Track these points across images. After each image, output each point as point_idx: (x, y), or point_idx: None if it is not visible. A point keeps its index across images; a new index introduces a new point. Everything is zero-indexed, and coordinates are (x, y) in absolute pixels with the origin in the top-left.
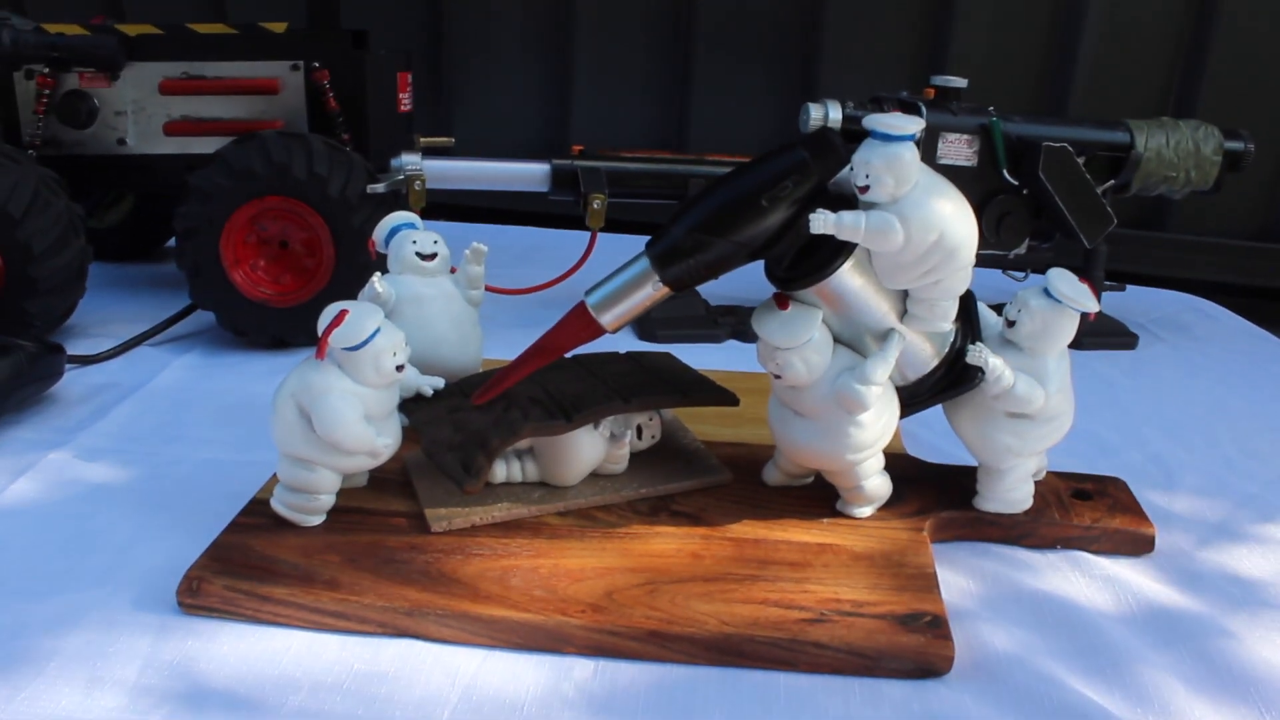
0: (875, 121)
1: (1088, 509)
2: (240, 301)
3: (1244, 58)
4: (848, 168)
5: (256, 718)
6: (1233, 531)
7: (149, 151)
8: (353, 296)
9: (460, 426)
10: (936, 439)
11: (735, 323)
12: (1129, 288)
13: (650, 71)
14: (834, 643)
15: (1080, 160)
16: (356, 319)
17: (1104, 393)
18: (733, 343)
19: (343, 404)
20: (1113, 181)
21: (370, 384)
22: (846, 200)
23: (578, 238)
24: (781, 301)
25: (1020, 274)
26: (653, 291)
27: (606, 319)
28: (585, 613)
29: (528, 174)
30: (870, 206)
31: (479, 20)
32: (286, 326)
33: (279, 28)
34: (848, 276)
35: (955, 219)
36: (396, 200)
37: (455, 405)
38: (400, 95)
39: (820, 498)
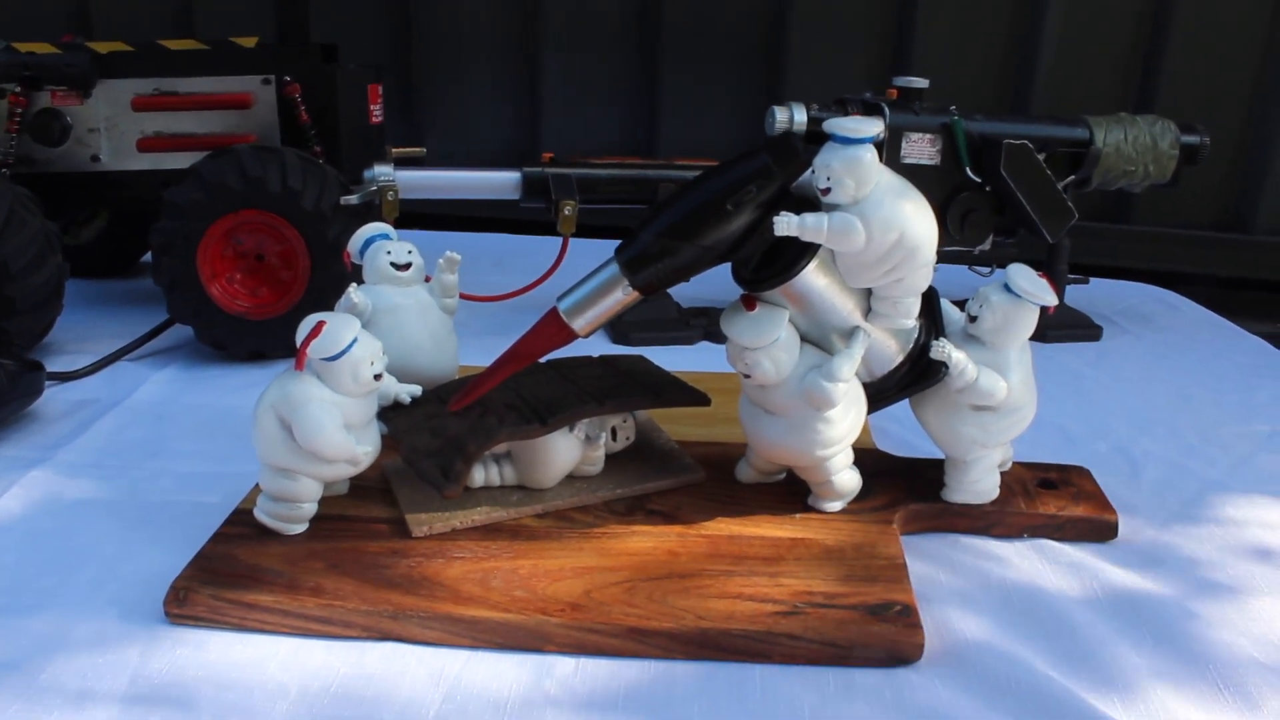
0: (835, 125)
1: (1053, 498)
2: (218, 315)
3: (1198, 54)
4: (810, 170)
5: None
6: (1194, 517)
7: (123, 168)
8: (329, 307)
9: (438, 433)
10: (905, 433)
11: (707, 324)
12: (1092, 280)
13: (617, 79)
14: (807, 634)
15: (1041, 157)
16: (334, 330)
17: (1069, 384)
18: (705, 344)
19: (322, 413)
20: (1073, 177)
21: (349, 393)
22: (809, 202)
23: (548, 243)
24: (749, 303)
25: (985, 269)
26: (623, 296)
27: (578, 324)
28: (565, 611)
29: (499, 182)
30: (833, 208)
31: (447, 32)
32: (265, 339)
33: (249, 42)
34: (813, 277)
35: (915, 218)
36: (370, 212)
37: (433, 412)
38: (371, 107)
39: (792, 494)
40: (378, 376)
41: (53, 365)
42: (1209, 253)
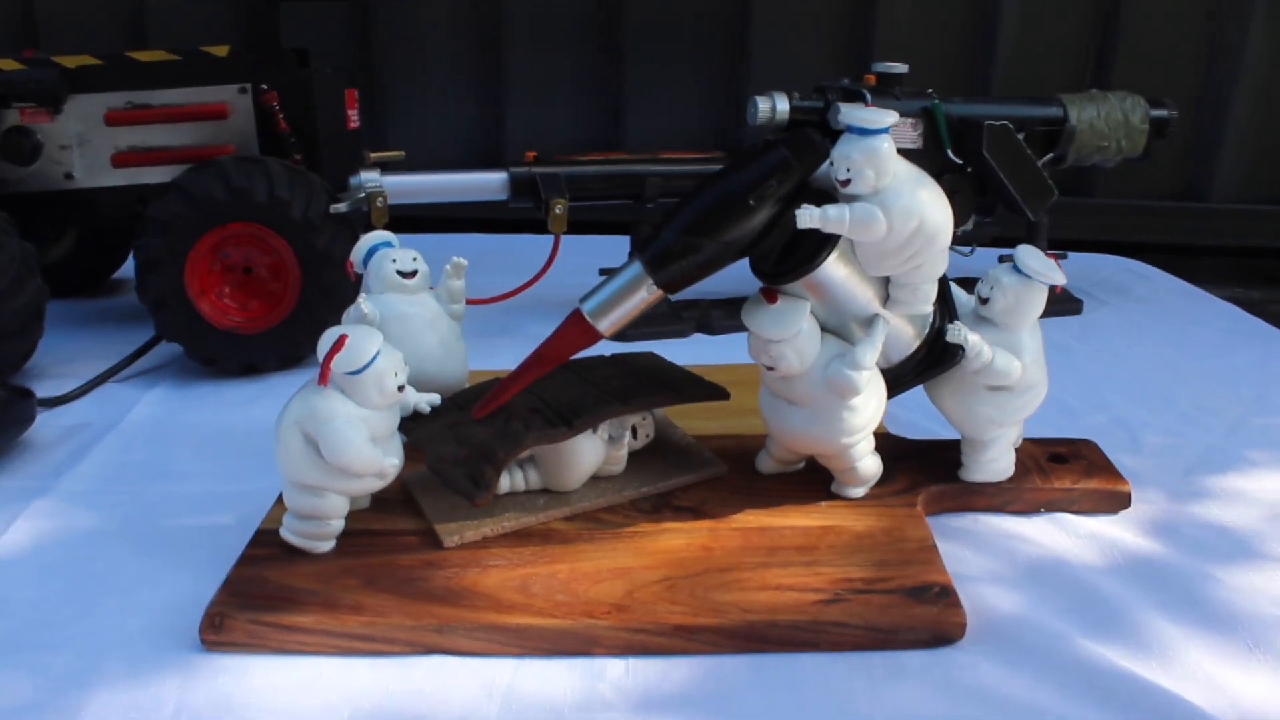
0: (852, 117)
1: (1066, 472)
2: (209, 331)
3: (1151, 32)
4: (827, 163)
5: None
6: (1199, 482)
7: (98, 184)
8: (321, 318)
9: (463, 441)
10: (914, 416)
11: (698, 316)
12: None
13: (581, 75)
14: (853, 620)
15: (1020, 137)
16: (357, 343)
17: (1059, 359)
18: (698, 336)
19: (349, 428)
20: (1050, 155)
21: (374, 406)
22: (826, 194)
23: (531, 241)
24: (770, 296)
25: (966, 249)
26: (647, 295)
27: (603, 325)
28: (610, 613)
29: (486, 184)
30: (851, 199)
31: (409, 34)
32: (257, 353)
33: (221, 51)
34: (833, 267)
35: (933, 205)
36: (359, 219)
37: (455, 420)
38: (349, 112)
39: (813, 481)
40: (401, 388)
41: (38, 390)
42: (1169, 222)
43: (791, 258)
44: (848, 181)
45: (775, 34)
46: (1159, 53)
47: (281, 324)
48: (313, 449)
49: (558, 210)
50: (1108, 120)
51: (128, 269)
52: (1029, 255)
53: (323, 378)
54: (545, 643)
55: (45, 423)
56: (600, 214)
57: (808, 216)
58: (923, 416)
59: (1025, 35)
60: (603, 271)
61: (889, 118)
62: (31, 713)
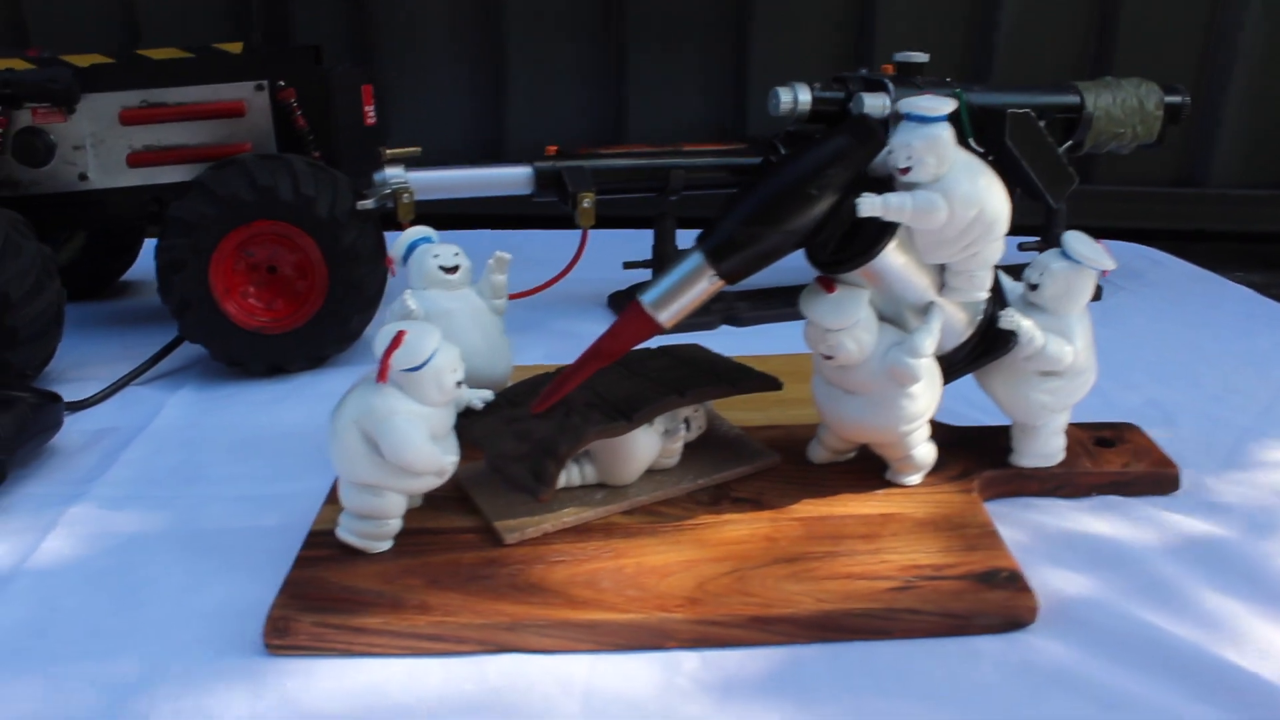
0: (911, 105)
1: (1114, 455)
2: (234, 332)
3: (1148, 21)
4: (886, 151)
5: None
6: (1243, 464)
7: (113, 185)
8: (348, 317)
9: (523, 437)
10: (956, 405)
11: (725, 309)
12: None
13: (582, 68)
14: (927, 607)
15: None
16: (415, 339)
17: None
18: (725, 328)
19: (409, 426)
20: (1069, 142)
21: (432, 403)
22: (882, 182)
23: (546, 237)
24: (828, 284)
25: (1033, 240)
26: (708, 285)
27: (664, 316)
28: (684, 606)
29: (511, 178)
30: (910, 187)
31: (407, 28)
32: (284, 353)
33: (235, 48)
34: (892, 255)
35: (992, 193)
36: (384, 215)
37: (510, 416)
38: (366, 108)
39: (867, 470)
40: (459, 384)
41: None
42: (1170, 208)
43: (850, 246)
44: (908, 169)
45: (778, 26)
46: (1157, 41)
47: (308, 323)
48: (371, 447)
49: (585, 204)
50: (1123, 107)
51: (135, 271)
52: (1078, 241)
53: (381, 375)
54: (620, 638)
55: (69, 428)
56: (619, 208)
57: (869, 205)
58: (964, 405)
59: (1025, 26)
60: (626, 265)
61: (948, 105)
62: None
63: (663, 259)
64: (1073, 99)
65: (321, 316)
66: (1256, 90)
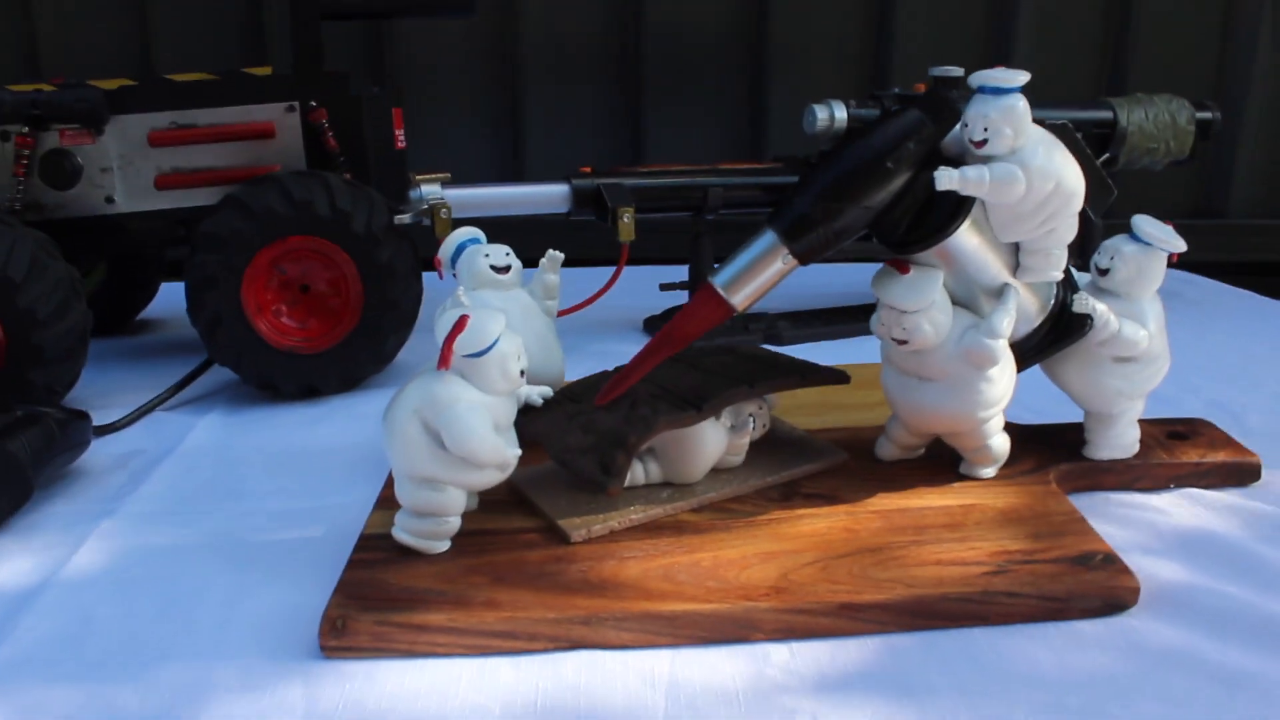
0: (985, 77)
1: (1190, 447)
2: (266, 352)
3: (1164, 47)
4: (960, 125)
5: None
6: None
7: (141, 209)
8: (384, 336)
9: (589, 429)
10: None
11: (766, 328)
12: None
13: (599, 108)
14: (1024, 590)
15: None
16: (479, 324)
17: None
18: (766, 347)
19: (472, 415)
20: (1106, 155)
21: (497, 391)
22: (951, 160)
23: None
24: (901, 266)
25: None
26: (782, 266)
27: (738, 299)
28: (769, 595)
29: (548, 196)
30: (987, 160)
31: (425, 64)
32: (317, 374)
33: (264, 71)
34: (965, 235)
35: (1068, 167)
36: (421, 232)
37: (572, 411)
38: (396, 132)
39: (938, 466)
40: (522, 372)
41: None
42: (1190, 239)
43: (924, 224)
44: (984, 142)
45: (792, 62)
46: (1171, 71)
47: (342, 343)
48: (432, 439)
49: (625, 220)
50: (1156, 122)
51: (153, 310)
52: (1148, 223)
53: (443, 361)
54: (702, 630)
55: (95, 450)
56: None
57: (947, 178)
58: (1019, 409)
59: (1038, 47)
60: (663, 286)
61: (1023, 76)
62: None
63: (699, 280)
64: (1105, 114)
65: (356, 336)
66: (1271, 119)
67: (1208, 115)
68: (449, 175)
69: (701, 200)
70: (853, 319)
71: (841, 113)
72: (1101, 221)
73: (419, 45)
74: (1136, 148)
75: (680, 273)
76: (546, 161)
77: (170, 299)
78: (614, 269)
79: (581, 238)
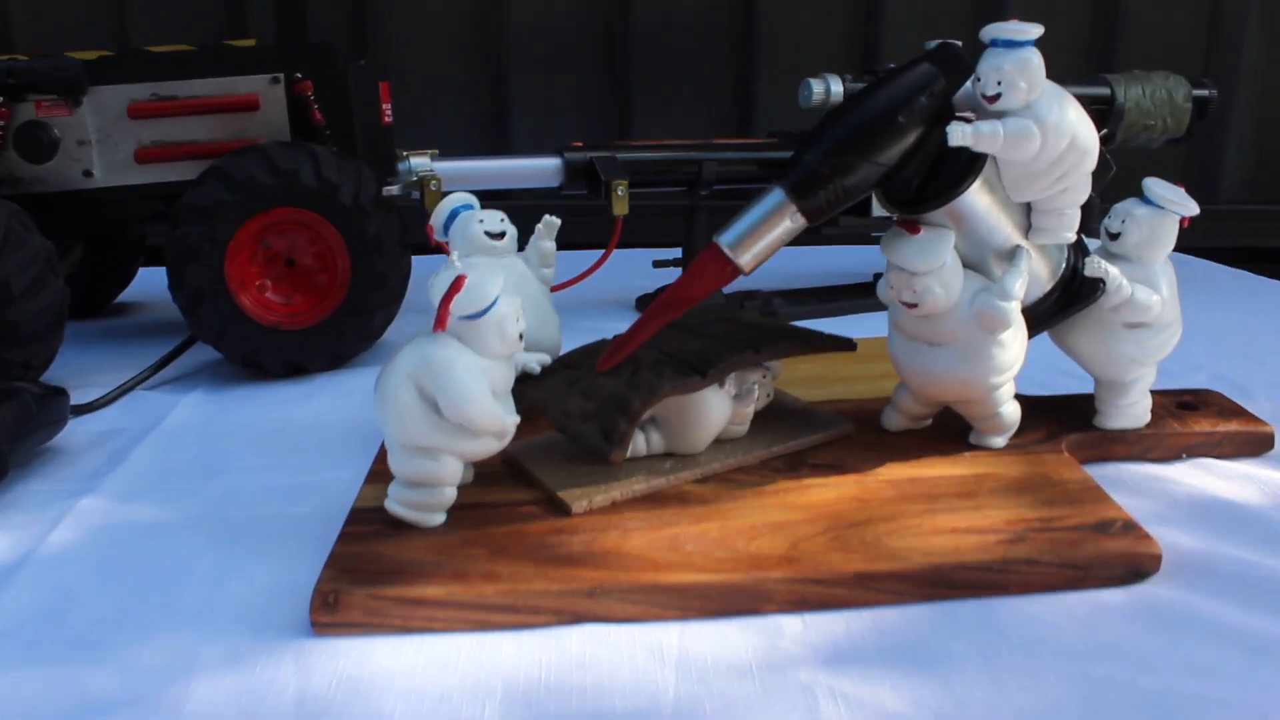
0: (998, 29)
1: (1201, 417)
2: (250, 328)
3: (1151, 38)
4: (973, 79)
5: None
6: None
7: (119, 183)
8: (371, 311)
9: (590, 395)
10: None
11: (761, 305)
12: None
13: (585, 98)
14: (1044, 557)
15: None
16: (477, 284)
17: None
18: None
19: (469, 378)
20: (1103, 132)
21: (495, 354)
22: (964, 119)
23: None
24: (911, 227)
25: None
26: (791, 225)
27: (745, 259)
28: (781, 565)
29: (540, 169)
30: (1000, 115)
31: (409, 59)
32: (303, 350)
33: (248, 43)
34: (976, 195)
35: (1082, 123)
36: (409, 212)
37: (572, 378)
38: (383, 106)
39: (947, 436)
40: (520, 335)
41: None
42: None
43: (935, 183)
44: (997, 96)
45: (780, 50)
46: (1160, 58)
47: (329, 319)
48: (428, 405)
49: (619, 192)
50: (1153, 98)
51: (131, 293)
52: (1160, 186)
53: (439, 323)
54: (712, 602)
55: (74, 429)
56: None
57: (959, 133)
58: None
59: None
60: (656, 263)
61: (1036, 29)
62: (130, 707)
63: (693, 256)
64: (1103, 90)
65: (343, 311)
66: (1259, 106)
67: (1205, 93)
68: (437, 151)
69: (696, 175)
70: (849, 296)
71: (838, 86)
72: (1097, 199)
73: (405, 29)
74: (1134, 125)
75: (674, 255)
76: (533, 145)
77: (149, 283)
78: (604, 252)
79: (572, 222)
